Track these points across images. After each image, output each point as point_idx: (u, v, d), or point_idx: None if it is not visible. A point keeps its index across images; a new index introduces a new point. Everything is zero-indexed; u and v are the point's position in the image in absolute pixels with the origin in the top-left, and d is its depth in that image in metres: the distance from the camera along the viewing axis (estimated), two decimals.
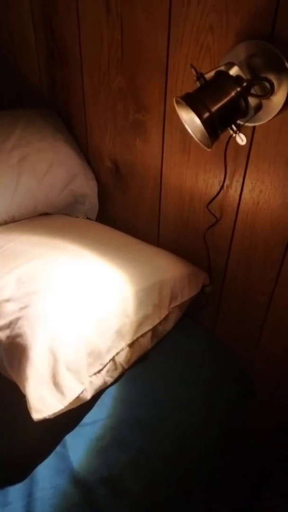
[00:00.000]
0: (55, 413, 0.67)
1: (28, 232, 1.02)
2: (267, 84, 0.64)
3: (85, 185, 1.16)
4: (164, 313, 0.90)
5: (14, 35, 1.15)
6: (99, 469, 0.69)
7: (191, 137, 0.71)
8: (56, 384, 0.69)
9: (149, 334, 0.86)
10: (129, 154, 1.04)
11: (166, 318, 0.91)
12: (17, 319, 0.76)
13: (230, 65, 0.66)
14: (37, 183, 1.08)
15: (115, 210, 1.18)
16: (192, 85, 0.81)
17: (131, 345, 0.82)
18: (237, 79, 0.63)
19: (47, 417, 0.66)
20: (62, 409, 0.68)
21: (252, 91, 0.65)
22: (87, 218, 1.20)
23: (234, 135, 0.65)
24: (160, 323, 0.88)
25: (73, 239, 0.99)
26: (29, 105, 1.19)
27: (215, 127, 0.62)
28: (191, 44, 0.78)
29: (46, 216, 1.14)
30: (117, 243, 1.04)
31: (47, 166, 1.08)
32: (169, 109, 0.89)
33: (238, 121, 0.68)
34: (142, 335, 0.84)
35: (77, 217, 1.18)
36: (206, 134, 0.62)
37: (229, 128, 0.64)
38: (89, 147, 1.14)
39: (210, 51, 0.76)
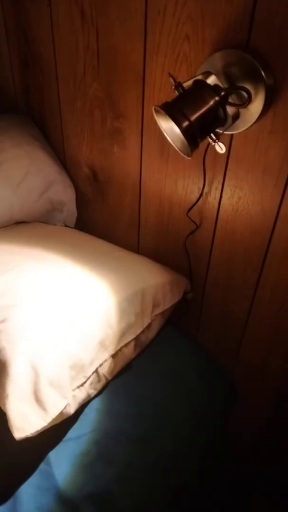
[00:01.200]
0: (38, 431, 0.65)
1: (4, 241, 0.99)
2: (245, 93, 0.65)
3: (62, 192, 1.14)
4: (147, 321, 0.89)
5: None
6: (85, 486, 0.68)
7: (170, 144, 0.71)
8: (38, 400, 0.67)
9: (133, 344, 0.85)
10: (107, 161, 1.03)
11: (149, 326, 0.90)
12: None
13: (208, 74, 0.67)
14: (12, 191, 1.05)
15: (94, 217, 1.17)
16: (170, 93, 0.82)
17: (114, 356, 0.81)
18: (215, 88, 0.63)
19: (30, 435, 0.64)
20: (45, 426, 0.66)
21: (230, 100, 0.65)
22: (65, 225, 1.18)
23: (213, 143, 0.65)
24: (143, 331, 0.88)
25: (51, 248, 0.97)
26: (3, 112, 1.17)
27: (195, 136, 0.62)
28: (167, 53, 0.78)
29: (23, 225, 1.12)
30: (97, 251, 1.03)
31: (23, 173, 1.06)
32: (146, 116, 0.88)
33: (217, 130, 0.68)
34: (126, 345, 0.83)
35: (55, 225, 1.17)
36: (186, 143, 0.62)
37: (208, 137, 0.64)
38: (66, 154, 1.12)
39: (187, 60, 0.76)
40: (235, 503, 1.15)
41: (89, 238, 1.11)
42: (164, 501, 0.72)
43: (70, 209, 1.17)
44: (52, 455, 0.71)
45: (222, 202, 0.87)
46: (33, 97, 1.10)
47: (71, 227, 1.18)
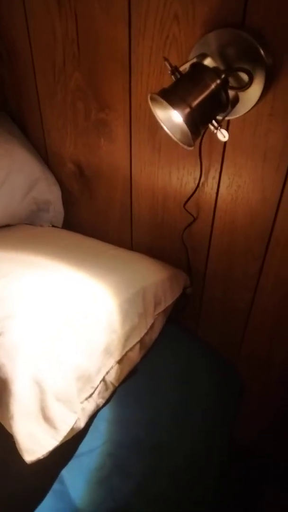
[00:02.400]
0: (49, 451, 0.61)
1: None
2: (244, 75, 0.60)
3: (47, 191, 1.08)
4: (150, 321, 0.85)
5: None
6: (103, 502, 0.64)
7: (161, 134, 0.66)
8: (46, 418, 0.63)
9: (138, 347, 0.81)
10: (93, 156, 0.98)
11: (152, 326, 0.86)
12: None
13: (203, 56, 0.62)
14: None
15: (83, 215, 1.12)
16: (160, 79, 0.77)
17: (120, 361, 0.77)
18: (216, 70, 0.58)
19: (41, 457, 0.60)
20: (57, 446, 0.62)
21: (230, 83, 0.61)
22: (53, 226, 1.12)
23: (215, 131, 0.61)
24: (147, 332, 0.84)
25: (42, 251, 0.92)
26: None
27: (196, 123, 0.57)
28: (155, 36, 0.73)
29: (7, 228, 1.05)
30: (90, 252, 0.98)
31: (4, 174, 0.99)
32: (135, 105, 0.83)
33: (218, 116, 0.64)
34: (131, 349, 0.79)
35: (41, 226, 1.11)
36: (188, 132, 0.57)
37: (209, 124, 0.60)
38: (48, 150, 1.06)
39: (176, 42, 0.71)
40: (248, 496, 1.14)
41: (79, 237, 1.06)
42: (184, 505, 0.70)
43: (57, 208, 1.11)
44: (65, 473, 0.67)
45: (220, 192, 0.84)
46: (9, 91, 1.02)
47: (59, 227, 1.13)
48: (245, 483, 1.13)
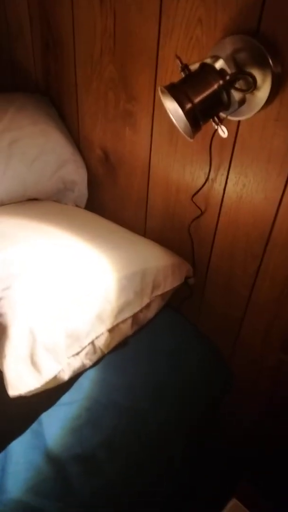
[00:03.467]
0: (31, 391, 0.69)
1: (16, 215, 1.03)
2: (250, 79, 0.66)
3: (74, 173, 1.17)
4: (145, 301, 0.91)
5: (11, 25, 1.16)
6: (72, 447, 0.72)
7: (179, 129, 0.73)
8: (33, 363, 0.71)
9: (130, 321, 0.88)
10: (118, 144, 1.05)
11: (147, 306, 0.92)
12: None
13: (216, 58, 0.68)
14: (26, 167, 1.09)
15: (104, 199, 1.20)
16: (181, 77, 0.83)
17: (111, 330, 0.84)
18: (221, 72, 0.64)
19: (23, 394, 0.68)
20: (39, 388, 0.70)
21: (237, 85, 0.67)
22: (76, 205, 1.21)
23: (216, 127, 0.66)
24: (141, 310, 0.90)
25: (60, 225, 1.00)
26: (23, 91, 1.20)
27: (197, 118, 0.63)
28: (180, 36, 0.79)
29: (35, 202, 1.15)
30: (104, 231, 1.06)
31: (38, 151, 1.09)
32: (158, 100, 0.90)
33: (221, 114, 0.69)
34: (123, 321, 0.86)
35: (66, 204, 1.20)
36: (189, 125, 0.64)
37: (211, 120, 0.66)
38: (80, 135, 1.15)
39: (199, 44, 0.77)
40: (220, 485, 1.17)
41: (97, 218, 1.14)
42: (147, 470, 0.76)
43: (81, 190, 1.20)
44: (45, 417, 0.75)
45: (227, 189, 0.89)
46: (52, 78, 1.12)
47: (81, 207, 1.21)
48: (220, 474, 1.17)
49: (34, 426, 0.74)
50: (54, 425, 0.74)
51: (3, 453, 0.70)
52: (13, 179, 1.07)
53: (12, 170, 1.05)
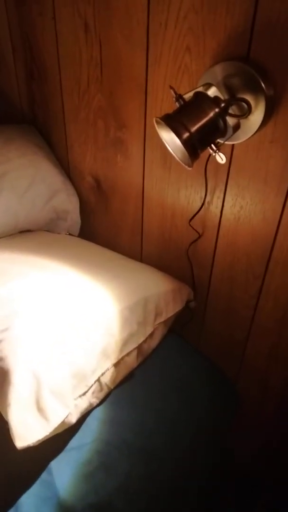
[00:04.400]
0: (39, 440, 0.65)
1: (9, 249, 1.00)
2: (245, 104, 0.65)
3: (66, 201, 1.15)
4: (149, 330, 0.89)
5: None
6: (86, 496, 0.68)
7: (171, 154, 0.72)
8: (40, 409, 0.67)
9: (135, 353, 0.85)
10: (110, 171, 1.04)
11: (151, 335, 0.90)
12: None
13: (208, 85, 0.67)
14: (17, 199, 1.06)
15: (98, 226, 1.18)
16: (172, 104, 0.82)
17: (116, 365, 0.81)
18: (215, 99, 0.63)
19: (31, 444, 0.65)
20: (47, 436, 0.67)
21: (230, 111, 0.66)
22: (69, 234, 1.19)
23: (214, 154, 0.65)
24: (145, 340, 0.88)
25: (55, 256, 0.98)
26: (8, 122, 1.18)
27: (195, 147, 0.62)
28: (169, 64, 0.79)
29: (27, 233, 1.13)
30: (101, 259, 1.04)
31: (28, 182, 1.07)
32: (149, 126, 0.89)
33: (218, 140, 0.69)
34: (128, 354, 0.83)
35: (59, 233, 1.18)
36: (187, 154, 0.63)
37: (209, 147, 0.65)
38: (70, 163, 1.14)
39: (188, 71, 0.77)
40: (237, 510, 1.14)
41: (92, 246, 1.12)
42: (166, 509, 0.72)
43: (74, 218, 1.18)
44: (54, 464, 0.71)
45: (224, 211, 0.88)
46: (38, 107, 1.11)
47: (75, 236, 1.19)
48: (237, 503, 1.13)
49: (43, 476, 0.70)
50: (64, 472, 0.70)
51: (13, 509, 0.66)
52: (4, 212, 1.04)
53: (2, 203, 1.03)
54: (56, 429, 0.68)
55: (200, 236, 0.95)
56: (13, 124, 1.16)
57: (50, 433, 0.67)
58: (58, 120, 1.08)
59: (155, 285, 0.96)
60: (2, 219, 1.05)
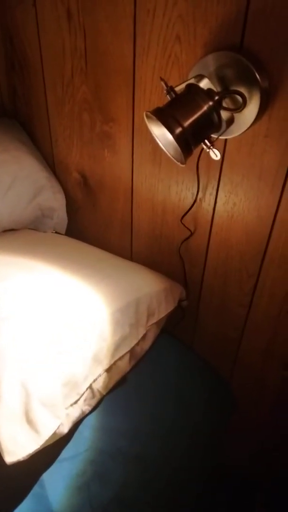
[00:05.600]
0: (29, 454, 0.62)
1: None
2: (239, 98, 0.62)
3: (52, 198, 1.11)
4: (141, 332, 0.86)
5: None
6: (81, 508, 0.65)
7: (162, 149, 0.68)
8: (29, 421, 0.64)
9: (127, 356, 0.82)
10: (97, 166, 1.00)
11: (143, 337, 0.87)
12: None
13: (200, 77, 0.64)
14: (0, 198, 1.01)
15: (85, 223, 1.14)
16: (161, 96, 0.79)
17: (108, 370, 0.78)
18: (209, 92, 0.60)
19: (22, 459, 0.61)
20: (38, 449, 0.63)
21: (224, 104, 0.63)
22: (56, 232, 1.14)
23: (207, 150, 0.62)
24: (138, 343, 0.85)
25: (42, 256, 0.94)
26: None
27: (188, 142, 0.59)
28: (158, 54, 0.75)
29: (11, 232, 1.08)
30: (89, 259, 1.00)
31: (11, 179, 1.02)
32: (137, 120, 0.86)
33: (211, 135, 0.65)
34: (120, 358, 0.80)
35: (45, 231, 1.13)
36: (179, 150, 0.59)
37: (202, 143, 0.62)
38: (55, 159, 1.09)
39: (178, 62, 0.73)
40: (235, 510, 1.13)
41: (80, 245, 1.08)
42: None
43: (60, 216, 1.14)
44: (46, 477, 0.68)
45: (216, 208, 0.85)
46: (20, 100, 1.06)
47: (62, 234, 1.15)
48: (234, 504, 1.12)
49: (35, 489, 0.66)
50: (57, 485, 0.67)
51: None
52: None
53: None
54: (47, 441, 0.65)
55: (192, 234, 0.92)
56: None
57: (41, 446, 0.64)
58: (41, 113, 1.03)
59: (147, 285, 0.93)
60: None
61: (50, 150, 1.08)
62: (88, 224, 1.13)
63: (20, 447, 0.62)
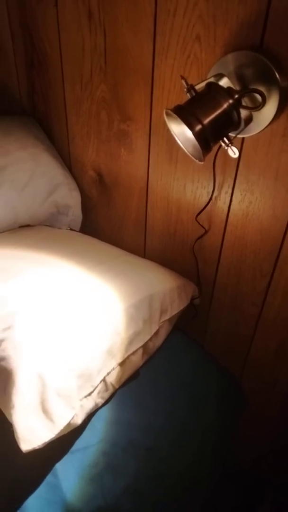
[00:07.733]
0: (45, 443, 0.63)
1: (9, 246, 0.98)
2: (259, 96, 0.63)
3: (68, 196, 1.12)
4: (154, 328, 0.87)
5: None
6: (93, 499, 0.66)
7: (178, 147, 0.69)
8: (45, 411, 0.65)
9: (140, 351, 0.83)
10: (113, 164, 1.01)
11: (156, 333, 0.88)
12: (1, 341, 0.71)
13: (220, 76, 0.65)
14: (17, 194, 1.03)
15: (100, 221, 1.15)
16: (179, 96, 0.80)
17: (122, 364, 0.79)
18: (229, 90, 0.61)
19: (37, 447, 0.63)
20: (53, 438, 0.65)
21: (243, 103, 0.64)
22: (71, 229, 1.16)
23: (226, 148, 0.63)
24: (150, 339, 0.86)
25: (57, 252, 0.95)
26: (7, 113, 1.15)
27: (208, 140, 0.60)
28: (177, 54, 0.76)
29: (27, 228, 1.10)
30: (103, 256, 1.01)
31: (28, 176, 1.04)
32: (155, 119, 0.87)
33: (230, 134, 0.66)
34: (133, 353, 0.81)
35: (60, 228, 1.15)
36: (198, 147, 0.60)
37: (221, 141, 0.63)
38: (71, 156, 1.11)
39: (197, 61, 0.74)
40: (242, 508, 1.13)
41: (94, 242, 1.09)
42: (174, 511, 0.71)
43: (76, 213, 1.15)
44: (59, 466, 0.69)
45: (232, 207, 0.86)
46: (39, 98, 1.08)
47: (76, 231, 1.17)
48: (242, 501, 1.12)
49: (49, 478, 0.68)
50: (70, 475, 0.68)
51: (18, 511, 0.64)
52: (4, 207, 1.01)
53: (1, 198, 1.00)
54: (61, 431, 0.66)
55: (206, 232, 0.92)
56: (12, 116, 1.13)
57: (56, 435, 0.65)
58: (59, 111, 1.05)
59: (160, 282, 0.94)
60: (1, 213, 1.03)
61: (67, 147, 1.10)
62: (103, 222, 1.15)
63: (35, 436, 0.63)
